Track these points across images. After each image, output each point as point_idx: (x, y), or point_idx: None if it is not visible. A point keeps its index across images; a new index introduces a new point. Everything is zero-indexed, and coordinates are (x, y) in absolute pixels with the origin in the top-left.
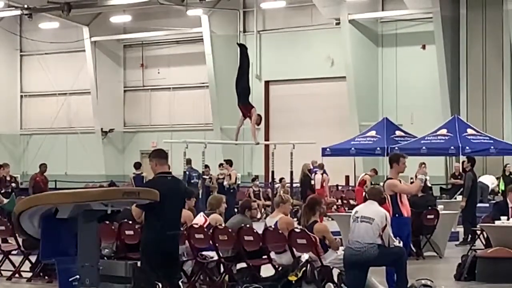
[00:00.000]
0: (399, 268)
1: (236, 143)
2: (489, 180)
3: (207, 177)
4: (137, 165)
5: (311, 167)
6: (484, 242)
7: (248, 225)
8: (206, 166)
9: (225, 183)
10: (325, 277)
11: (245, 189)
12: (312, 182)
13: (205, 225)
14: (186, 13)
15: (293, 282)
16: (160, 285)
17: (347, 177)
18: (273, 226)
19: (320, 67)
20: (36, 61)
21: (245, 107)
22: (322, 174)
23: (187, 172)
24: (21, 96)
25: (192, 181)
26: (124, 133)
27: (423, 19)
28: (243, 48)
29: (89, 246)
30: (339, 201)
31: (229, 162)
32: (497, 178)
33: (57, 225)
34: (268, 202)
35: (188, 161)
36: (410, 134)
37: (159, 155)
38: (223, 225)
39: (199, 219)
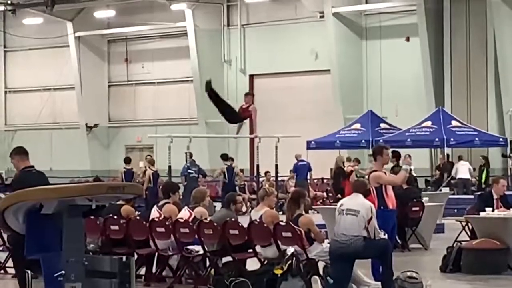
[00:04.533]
0: (384, 260)
1: (220, 136)
2: (466, 171)
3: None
4: (127, 160)
5: (296, 160)
6: (469, 234)
7: (233, 219)
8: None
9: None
10: (311, 270)
11: None
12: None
13: (190, 219)
14: (170, 8)
15: (279, 275)
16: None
17: (332, 170)
18: (258, 220)
19: (304, 60)
20: (20, 57)
21: (243, 114)
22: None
23: (186, 165)
24: (5, 92)
25: (191, 175)
26: (109, 128)
27: (407, 11)
28: (210, 92)
29: (74, 241)
30: (325, 194)
31: (223, 156)
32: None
33: (42, 221)
34: (253, 196)
35: (190, 155)
36: (395, 126)
37: (20, 151)
38: (208, 218)
39: (184, 213)
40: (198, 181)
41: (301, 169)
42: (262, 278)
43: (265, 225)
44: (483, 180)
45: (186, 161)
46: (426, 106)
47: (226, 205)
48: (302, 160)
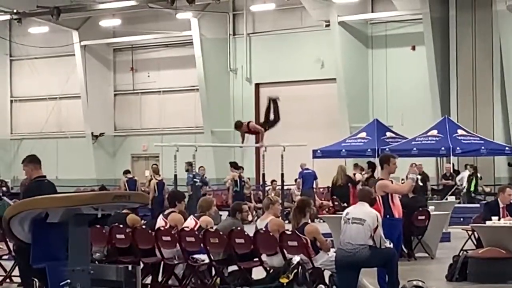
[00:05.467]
0: (390, 269)
1: (226, 145)
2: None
3: (198, 179)
4: (127, 171)
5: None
6: (475, 243)
7: (239, 228)
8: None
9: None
10: (317, 279)
11: None
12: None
13: (195, 228)
14: (176, 17)
15: (285, 284)
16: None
17: (334, 179)
18: (264, 229)
19: (310, 69)
20: (26, 66)
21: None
22: (362, 174)
23: (190, 175)
24: (11, 101)
25: (197, 184)
26: (115, 137)
27: (413, 20)
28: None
29: (80, 250)
30: (330, 202)
31: (233, 165)
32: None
33: (47, 230)
34: (259, 205)
35: (190, 164)
36: (401, 135)
37: (34, 160)
38: (213, 227)
39: (190, 222)
40: (201, 190)
41: (307, 178)
42: (268, 287)
43: (271, 234)
44: (472, 189)
45: (187, 170)
46: (432, 115)
47: (232, 214)
48: (307, 169)
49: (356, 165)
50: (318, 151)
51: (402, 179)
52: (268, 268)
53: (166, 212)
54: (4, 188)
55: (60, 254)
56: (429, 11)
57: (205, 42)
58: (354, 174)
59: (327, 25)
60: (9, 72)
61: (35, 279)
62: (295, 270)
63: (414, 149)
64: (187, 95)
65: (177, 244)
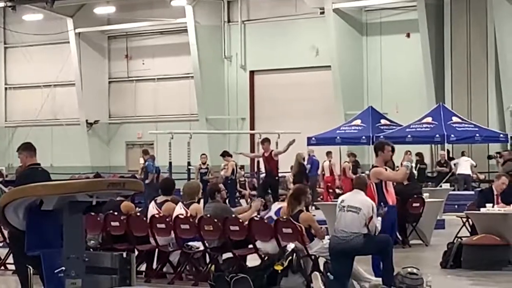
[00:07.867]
0: (385, 256)
1: (221, 132)
2: (467, 166)
3: (204, 167)
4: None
5: (308, 155)
6: (469, 230)
7: (233, 215)
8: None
9: (222, 172)
10: (311, 266)
11: None
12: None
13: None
14: (170, 4)
15: (279, 271)
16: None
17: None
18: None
19: (305, 56)
20: (21, 53)
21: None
22: (330, 161)
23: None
24: (6, 89)
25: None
26: (109, 125)
27: (407, 7)
28: None
29: (75, 238)
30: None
31: (227, 153)
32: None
33: (42, 217)
34: (254, 192)
35: (145, 152)
36: (396, 122)
37: (28, 148)
38: (208, 215)
39: (180, 211)
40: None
41: (315, 164)
42: (263, 274)
43: (266, 221)
44: (416, 176)
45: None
46: (427, 102)
47: (211, 197)
48: (314, 155)
49: (328, 153)
50: (313, 139)
51: (397, 166)
52: (262, 255)
53: (159, 200)
54: None
55: (54, 242)
56: None
57: (199, 30)
58: (323, 162)
59: (322, 13)
60: (4, 59)
61: (30, 267)
62: (290, 257)
63: (409, 136)
64: (181, 83)
65: (172, 232)
